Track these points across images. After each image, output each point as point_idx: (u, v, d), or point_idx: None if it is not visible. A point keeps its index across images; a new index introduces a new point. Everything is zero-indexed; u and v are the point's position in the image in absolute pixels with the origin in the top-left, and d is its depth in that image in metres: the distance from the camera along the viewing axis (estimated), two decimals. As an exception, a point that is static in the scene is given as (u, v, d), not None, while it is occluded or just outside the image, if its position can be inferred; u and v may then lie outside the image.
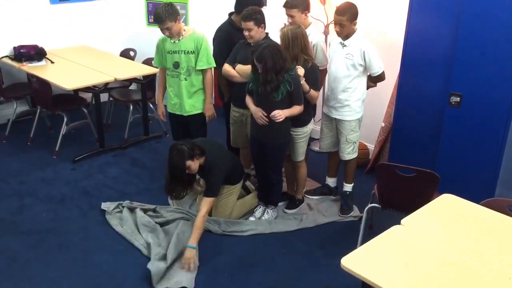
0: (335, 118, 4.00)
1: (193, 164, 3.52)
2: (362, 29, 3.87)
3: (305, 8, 4.03)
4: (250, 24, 3.78)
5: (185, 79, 4.04)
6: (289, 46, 3.68)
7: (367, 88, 3.99)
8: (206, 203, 3.60)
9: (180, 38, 3.98)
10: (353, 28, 3.77)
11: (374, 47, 3.78)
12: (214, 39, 4.25)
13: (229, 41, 4.10)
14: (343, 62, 3.83)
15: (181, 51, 3.98)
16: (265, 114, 3.66)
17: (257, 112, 3.71)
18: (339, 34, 3.80)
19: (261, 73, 3.51)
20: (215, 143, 3.97)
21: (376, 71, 3.81)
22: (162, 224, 3.88)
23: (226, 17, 4.30)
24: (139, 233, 3.77)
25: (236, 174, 3.99)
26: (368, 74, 3.90)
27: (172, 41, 3.98)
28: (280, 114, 3.59)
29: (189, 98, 4.09)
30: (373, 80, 3.95)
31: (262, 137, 3.78)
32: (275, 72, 3.47)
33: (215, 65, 4.09)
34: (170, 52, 4.02)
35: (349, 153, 4.04)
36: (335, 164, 4.28)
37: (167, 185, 3.65)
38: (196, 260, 3.47)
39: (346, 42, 3.80)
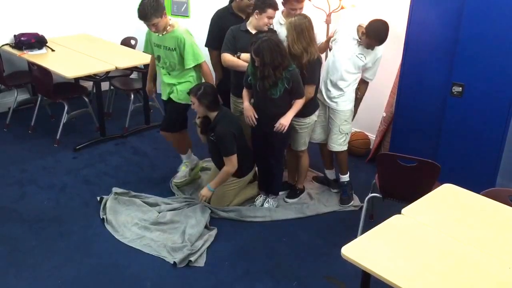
0: (329, 107, 3.99)
1: (194, 105, 3.72)
2: (364, 19, 3.84)
3: None
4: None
5: (169, 74, 3.97)
6: (298, 38, 3.57)
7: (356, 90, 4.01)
8: (227, 161, 3.76)
9: (164, 33, 3.85)
10: None
11: None
12: (211, 20, 4.22)
13: (220, 24, 4.07)
14: (352, 59, 3.80)
15: (164, 46, 3.89)
16: (256, 117, 3.67)
17: (248, 110, 3.70)
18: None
19: (258, 67, 3.48)
20: (235, 117, 4.00)
21: (371, 78, 3.90)
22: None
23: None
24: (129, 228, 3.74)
25: (244, 166, 3.95)
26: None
27: (157, 34, 3.87)
28: (283, 125, 3.61)
29: (179, 85, 3.98)
30: (363, 87, 4.01)
31: (264, 126, 3.76)
32: (272, 67, 3.43)
33: (203, 60, 3.94)
34: (155, 45, 3.96)
35: (340, 144, 4.03)
36: (328, 156, 4.27)
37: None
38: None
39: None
